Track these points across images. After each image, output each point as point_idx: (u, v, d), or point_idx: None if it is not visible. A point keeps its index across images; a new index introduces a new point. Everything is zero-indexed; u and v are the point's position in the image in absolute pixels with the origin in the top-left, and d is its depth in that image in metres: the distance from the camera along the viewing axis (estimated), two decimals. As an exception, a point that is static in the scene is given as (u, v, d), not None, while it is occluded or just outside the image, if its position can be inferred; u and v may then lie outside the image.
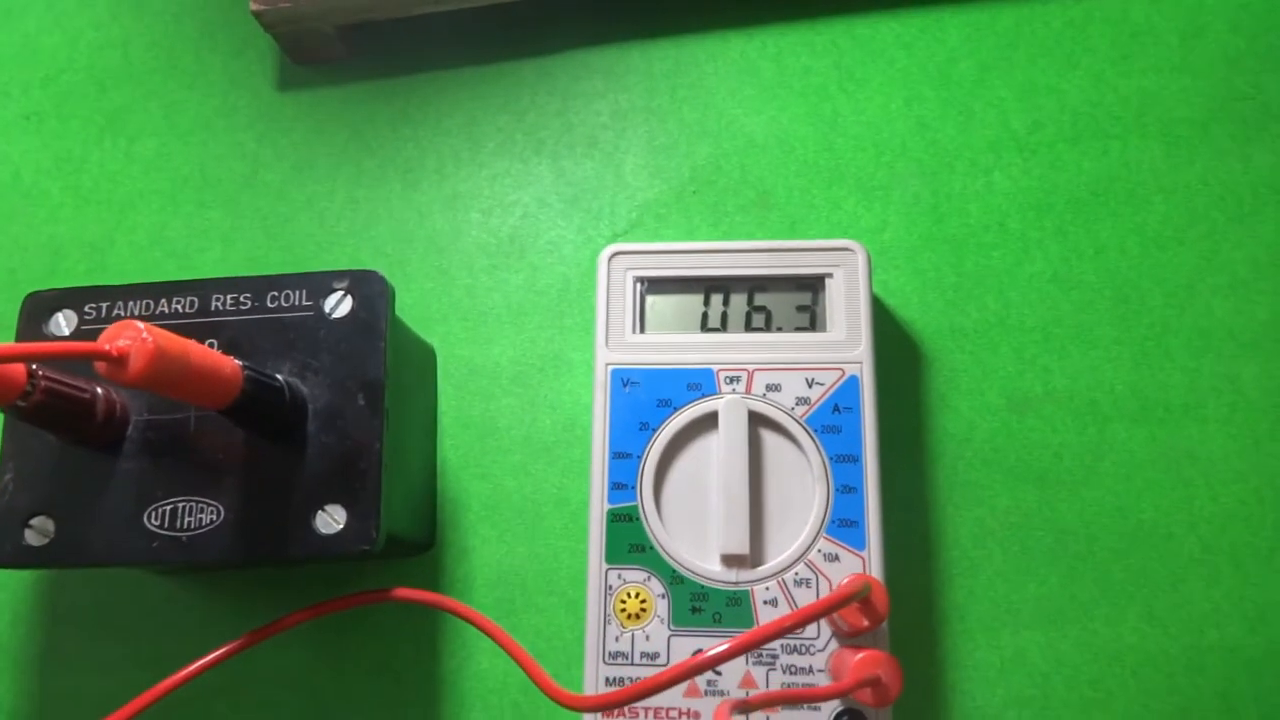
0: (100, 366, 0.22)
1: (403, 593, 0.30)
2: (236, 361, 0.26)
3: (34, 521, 0.29)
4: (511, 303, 0.38)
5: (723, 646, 0.23)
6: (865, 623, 0.27)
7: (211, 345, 0.30)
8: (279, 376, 0.29)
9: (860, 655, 0.26)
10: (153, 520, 0.29)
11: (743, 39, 0.40)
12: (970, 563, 0.34)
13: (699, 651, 0.24)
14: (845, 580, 0.28)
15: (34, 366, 0.26)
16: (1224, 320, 0.35)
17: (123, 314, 0.31)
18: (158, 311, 0.31)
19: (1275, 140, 0.36)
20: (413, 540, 0.34)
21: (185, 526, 0.29)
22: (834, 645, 0.29)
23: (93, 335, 0.31)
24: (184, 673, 0.30)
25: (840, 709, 0.28)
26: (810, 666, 0.30)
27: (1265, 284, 0.35)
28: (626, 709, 0.29)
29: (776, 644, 0.30)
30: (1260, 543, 0.33)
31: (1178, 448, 0.34)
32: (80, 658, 0.35)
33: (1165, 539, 0.33)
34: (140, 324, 0.22)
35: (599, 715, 0.29)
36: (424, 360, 0.36)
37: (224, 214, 0.40)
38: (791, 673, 0.30)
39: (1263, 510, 0.33)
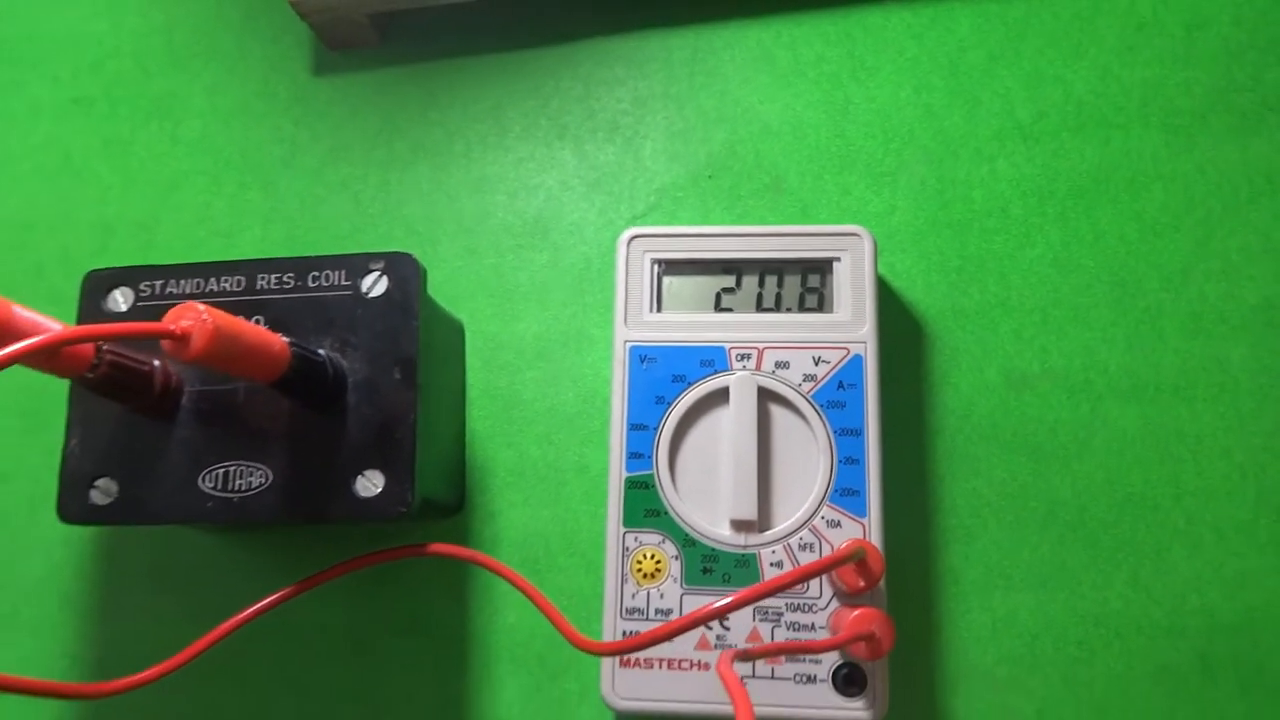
0: (166, 344, 0.24)
1: (439, 547, 0.33)
2: (284, 339, 0.29)
3: (99, 483, 0.32)
4: (536, 281, 0.40)
5: (727, 599, 0.25)
6: (861, 583, 0.30)
7: (259, 322, 0.33)
8: (321, 352, 0.31)
9: (856, 613, 0.28)
10: (206, 482, 0.31)
11: (759, 28, 0.42)
12: (966, 530, 0.36)
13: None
14: (844, 545, 0.30)
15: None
16: (1215, 304, 0.37)
17: (175, 291, 0.33)
18: (208, 290, 0.33)
19: (1272, 131, 0.38)
20: (444, 503, 0.36)
21: (236, 488, 0.31)
22: (835, 604, 0.32)
23: (148, 311, 0.33)
24: (232, 621, 0.32)
25: (839, 663, 0.31)
26: (813, 624, 0.32)
27: (1256, 270, 0.37)
28: (644, 657, 0.31)
29: (781, 603, 0.32)
30: (1241, 515, 0.35)
31: (1167, 426, 0.36)
32: (137, 609, 0.38)
33: (1152, 510, 0.35)
34: (200, 306, 0.24)
35: (616, 661, 0.32)
36: (453, 335, 0.38)
37: (263, 195, 0.42)
38: (795, 629, 0.32)
39: (1245, 485, 0.35)
